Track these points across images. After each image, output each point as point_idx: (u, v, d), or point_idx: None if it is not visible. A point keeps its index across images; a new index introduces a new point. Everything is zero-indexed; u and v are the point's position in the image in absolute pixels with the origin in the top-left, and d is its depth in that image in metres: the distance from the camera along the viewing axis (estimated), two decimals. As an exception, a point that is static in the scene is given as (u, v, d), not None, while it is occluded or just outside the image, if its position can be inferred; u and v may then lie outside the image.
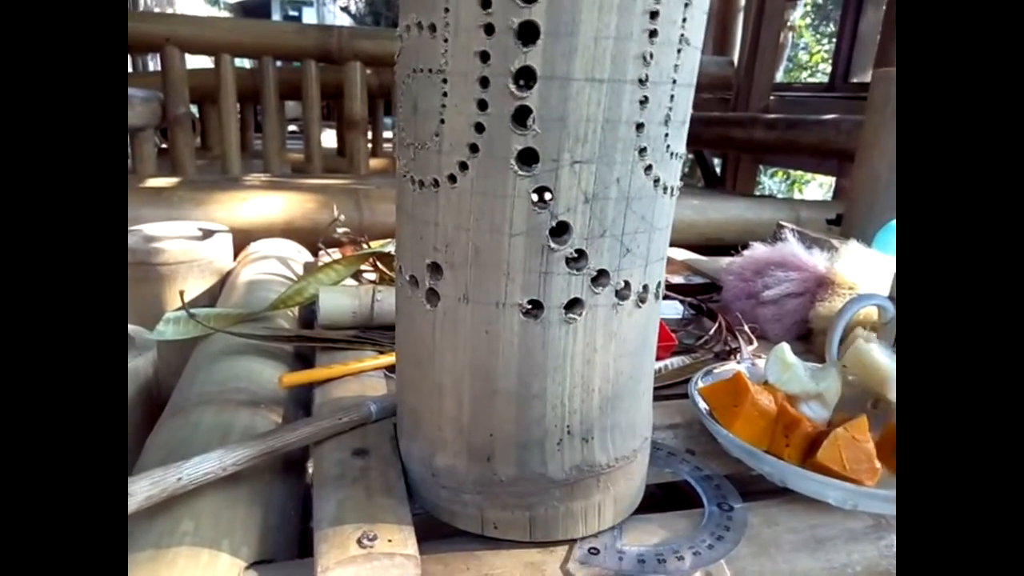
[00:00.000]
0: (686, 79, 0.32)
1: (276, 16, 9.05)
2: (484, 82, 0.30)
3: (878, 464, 0.40)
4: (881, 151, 0.96)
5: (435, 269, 0.34)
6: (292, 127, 3.15)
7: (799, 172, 4.05)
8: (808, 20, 5.34)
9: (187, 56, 1.79)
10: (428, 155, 0.33)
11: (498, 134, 0.30)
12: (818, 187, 4.50)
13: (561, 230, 0.32)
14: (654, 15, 0.29)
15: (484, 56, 0.29)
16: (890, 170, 0.94)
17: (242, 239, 1.14)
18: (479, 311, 0.33)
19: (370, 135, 2.32)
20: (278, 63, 1.92)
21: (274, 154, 1.93)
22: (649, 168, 0.32)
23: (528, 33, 0.29)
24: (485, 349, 0.34)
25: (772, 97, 2.29)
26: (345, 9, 6.87)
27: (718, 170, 2.42)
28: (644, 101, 0.31)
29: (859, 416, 0.42)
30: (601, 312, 0.34)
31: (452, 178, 0.32)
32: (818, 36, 5.43)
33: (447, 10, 0.30)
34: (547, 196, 0.31)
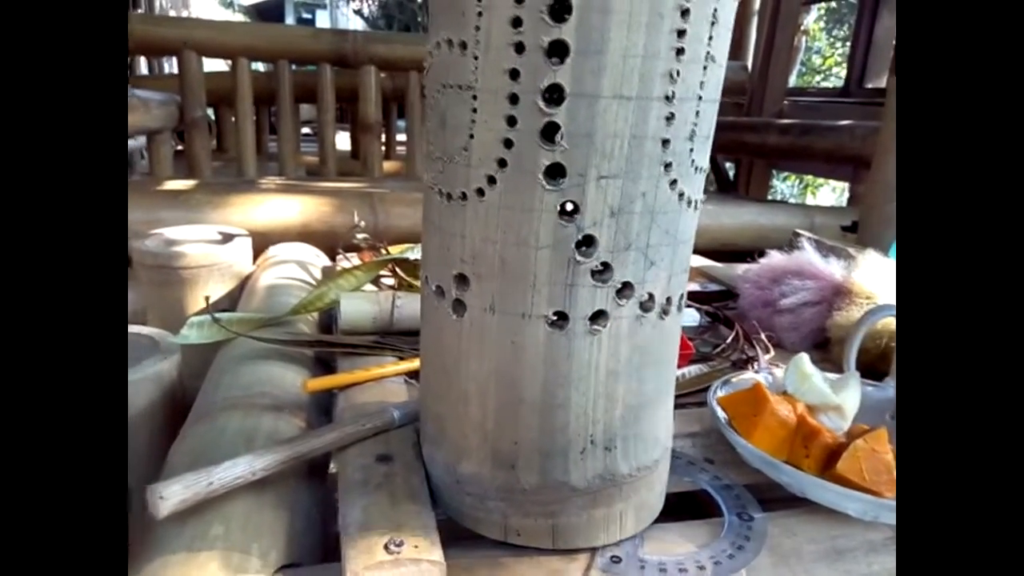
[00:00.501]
0: (711, 95, 0.33)
1: (290, 18, 9.14)
2: (513, 99, 0.30)
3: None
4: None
5: (462, 280, 0.35)
6: (306, 129, 3.18)
7: (811, 176, 4.03)
8: (822, 24, 5.31)
9: (203, 59, 1.81)
10: (456, 168, 0.33)
11: (526, 149, 0.31)
12: (831, 191, 4.47)
13: (587, 243, 0.32)
14: (681, 33, 0.30)
15: (514, 74, 0.30)
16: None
17: (259, 242, 1.15)
18: (505, 322, 0.34)
19: (384, 138, 2.33)
20: (293, 67, 1.94)
21: (289, 157, 1.95)
22: (674, 183, 0.33)
23: (558, 51, 0.29)
24: (511, 359, 0.34)
25: (786, 102, 2.28)
26: (358, 12, 6.91)
27: (731, 175, 2.42)
28: (670, 117, 0.31)
29: (879, 427, 0.42)
30: (625, 324, 0.34)
31: (480, 192, 0.33)
32: (832, 40, 5.40)
33: (478, 28, 0.30)
34: (569, 207, 0.32)
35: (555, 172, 0.31)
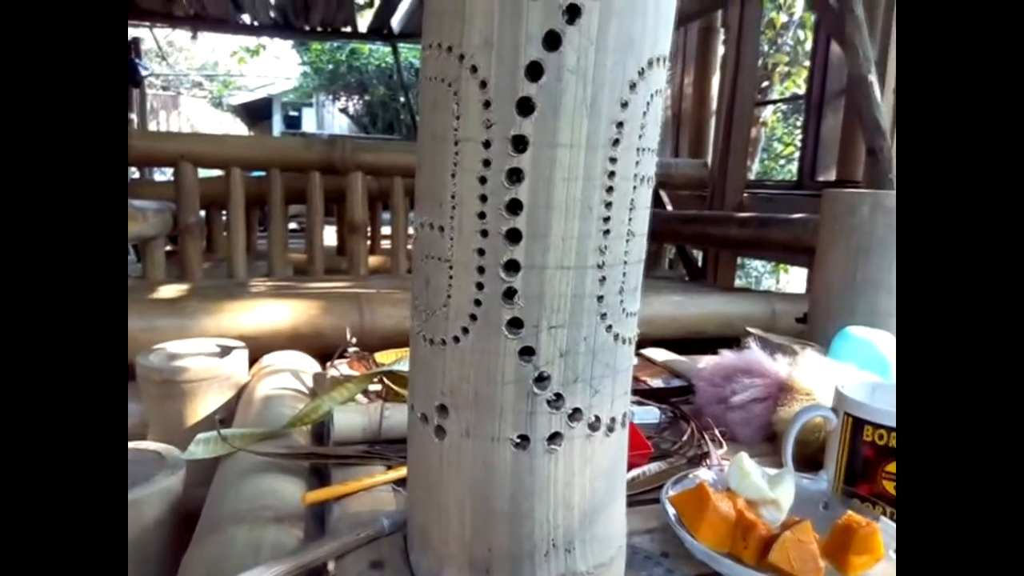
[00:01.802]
0: (635, 259, 0.42)
1: (277, 116, 9.53)
2: (481, 270, 0.39)
3: (822, 563, 0.47)
4: (834, 259, 1.07)
5: (442, 410, 0.42)
6: (293, 224, 3.30)
7: (779, 257, 4.21)
8: (781, 115, 5.69)
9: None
10: (437, 320, 0.41)
11: (492, 307, 0.39)
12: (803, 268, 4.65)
13: (543, 379, 0.40)
14: (607, 219, 0.39)
15: (481, 252, 0.39)
16: (843, 278, 1.04)
17: (251, 346, 1.22)
18: (478, 444, 0.41)
19: (369, 232, 2.45)
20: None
21: (278, 258, 2.04)
22: (610, 327, 0.41)
23: (514, 236, 0.38)
24: (483, 476, 0.41)
25: (745, 194, 2.45)
26: (344, 110, 7.26)
27: (700, 262, 2.55)
28: (603, 279, 0.40)
29: (805, 520, 0.49)
30: (577, 442, 0.41)
31: (456, 339, 0.41)
32: (790, 128, 5.77)
33: (452, 218, 0.39)
34: (527, 351, 0.39)
35: (515, 324, 0.39)
